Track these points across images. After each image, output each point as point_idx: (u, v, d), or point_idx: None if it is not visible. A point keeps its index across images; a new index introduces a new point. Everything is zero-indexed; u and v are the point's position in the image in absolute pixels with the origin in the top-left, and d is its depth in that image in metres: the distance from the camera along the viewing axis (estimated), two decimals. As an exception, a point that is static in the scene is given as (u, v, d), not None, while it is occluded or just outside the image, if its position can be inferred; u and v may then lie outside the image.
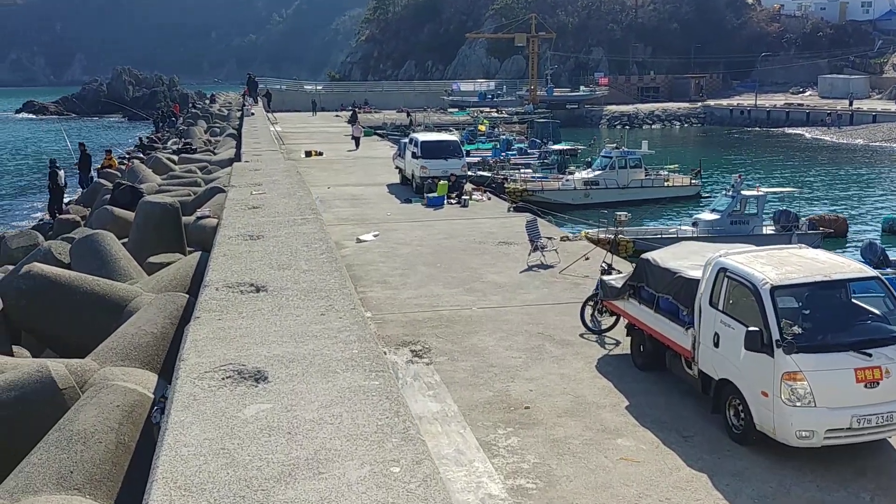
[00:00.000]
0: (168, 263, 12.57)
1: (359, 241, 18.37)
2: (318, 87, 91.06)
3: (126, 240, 14.86)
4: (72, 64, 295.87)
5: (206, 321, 6.40)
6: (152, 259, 12.89)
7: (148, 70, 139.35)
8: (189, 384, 5.08)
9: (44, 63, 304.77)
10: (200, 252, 10.96)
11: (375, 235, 18.84)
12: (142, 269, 12.11)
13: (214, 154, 32.91)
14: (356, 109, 57.28)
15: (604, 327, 11.71)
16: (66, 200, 28.76)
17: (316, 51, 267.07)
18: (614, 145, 36.19)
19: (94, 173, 31.83)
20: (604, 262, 12.75)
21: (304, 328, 6.52)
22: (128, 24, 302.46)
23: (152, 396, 5.99)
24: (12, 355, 8.89)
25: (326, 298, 7.25)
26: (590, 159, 38.38)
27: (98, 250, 11.92)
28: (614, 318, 11.47)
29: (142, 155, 39.64)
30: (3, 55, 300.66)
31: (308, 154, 34.59)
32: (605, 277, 11.51)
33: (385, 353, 11.20)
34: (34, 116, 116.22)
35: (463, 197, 23.35)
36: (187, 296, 8.36)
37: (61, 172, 27.33)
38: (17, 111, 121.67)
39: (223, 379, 5.28)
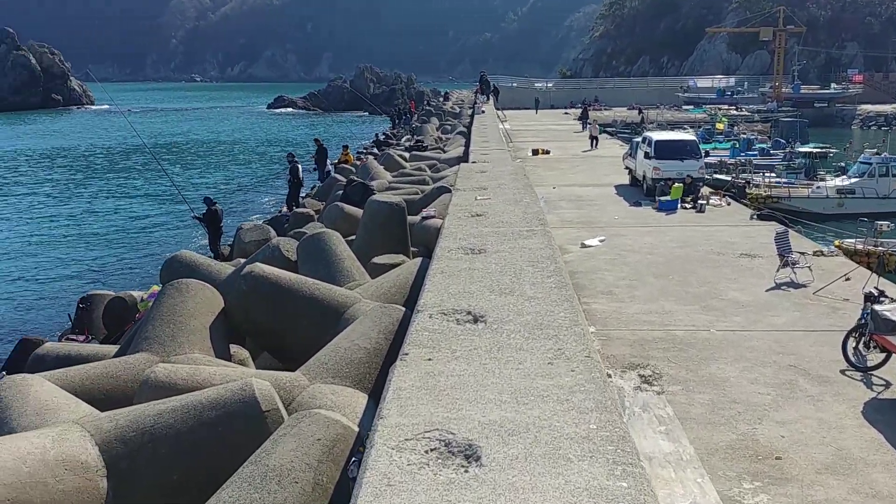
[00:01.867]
0: (391, 265, 12.29)
1: (583, 245, 17.37)
2: (549, 85, 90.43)
3: (353, 237, 14.85)
4: (320, 62, 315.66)
5: (413, 362, 5.64)
6: (376, 259, 12.68)
7: (388, 68, 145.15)
8: (385, 457, 4.23)
9: (295, 60, 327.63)
10: (422, 259, 10.49)
11: (601, 240, 17.75)
12: (364, 271, 11.86)
13: (444, 152, 33.07)
14: (587, 107, 55.99)
15: (871, 364, 9.99)
16: (302, 195, 29.95)
17: (548, 48, 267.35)
18: (874, 150, 32.61)
19: (330, 167, 32.98)
20: (874, 287, 10.94)
21: (527, 382, 5.48)
22: (372, 24, 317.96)
23: (356, 430, 5.41)
24: (229, 357, 8.79)
25: (555, 339, 6.25)
26: (843, 164, 34.89)
27: (323, 249, 11.80)
28: (885, 354, 9.75)
29: (376, 151, 40.80)
30: (260, 52, 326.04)
31: (535, 153, 33.94)
32: (878, 307, 9.80)
33: (609, 376, 10.20)
34: (284, 111, 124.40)
35: (699, 202, 21.66)
36: (403, 309, 7.82)
37: (300, 167, 28.43)
38: (269, 106, 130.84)
39: (427, 452, 4.35)
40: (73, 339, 13.19)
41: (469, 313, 6.66)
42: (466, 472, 4.19)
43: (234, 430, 5.65)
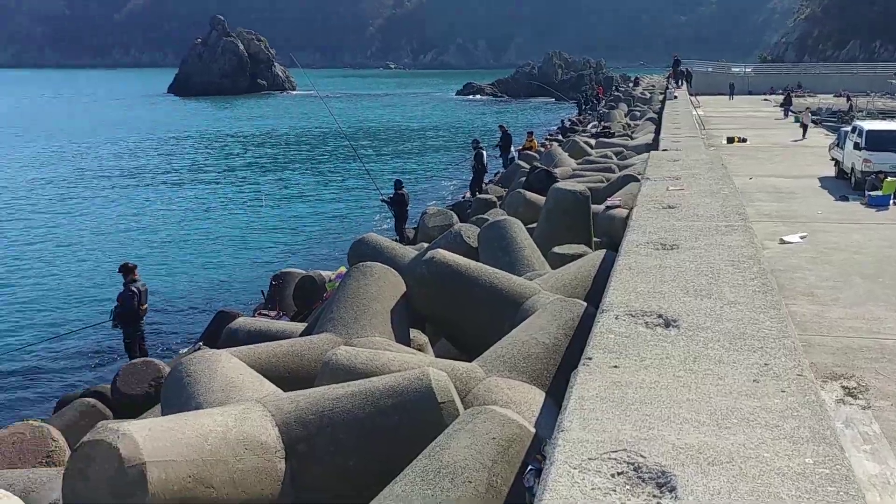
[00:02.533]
0: (573, 256, 11.97)
1: (782, 241, 16.23)
2: (747, 70, 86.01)
3: (534, 225, 14.62)
4: (509, 48, 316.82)
5: (598, 368, 5.17)
6: (557, 249, 12.40)
7: (578, 53, 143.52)
8: (567, 478, 3.77)
9: (485, 46, 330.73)
10: (605, 251, 10.09)
11: (802, 237, 16.52)
12: (544, 261, 11.61)
13: (632, 139, 32.15)
14: (790, 93, 52.77)
15: None
16: (486, 181, 30.01)
17: (747, 32, 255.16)
18: None
19: (514, 154, 32.86)
20: None
21: (729, 402, 4.81)
22: (563, 8, 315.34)
23: (533, 431, 5.17)
24: (409, 342, 8.81)
25: (760, 351, 5.52)
26: None
27: (504, 237, 11.65)
28: None
29: (561, 137, 40.30)
30: (452, 40, 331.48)
31: (730, 140, 32.28)
32: None
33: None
34: (472, 98, 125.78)
35: (916, 198, 19.78)
36: (584, 304, 7.49)
37: (485, 153, 28.48)
38: (458, 93, 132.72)
39: (613, 476, 3.85)
40: (265, 315, 13.78)
41: (660, 316, 6.06)
42: (659, 504, 3.67)
43: (409, 420, 5.57)
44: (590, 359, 5.22)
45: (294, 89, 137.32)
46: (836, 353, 10.38)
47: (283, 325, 10.67)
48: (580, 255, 12.12)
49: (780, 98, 49.80)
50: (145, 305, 14.88)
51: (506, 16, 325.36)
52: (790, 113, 43.51)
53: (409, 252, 13.64)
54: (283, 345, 8.28)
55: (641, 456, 4.06)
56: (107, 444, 4.81)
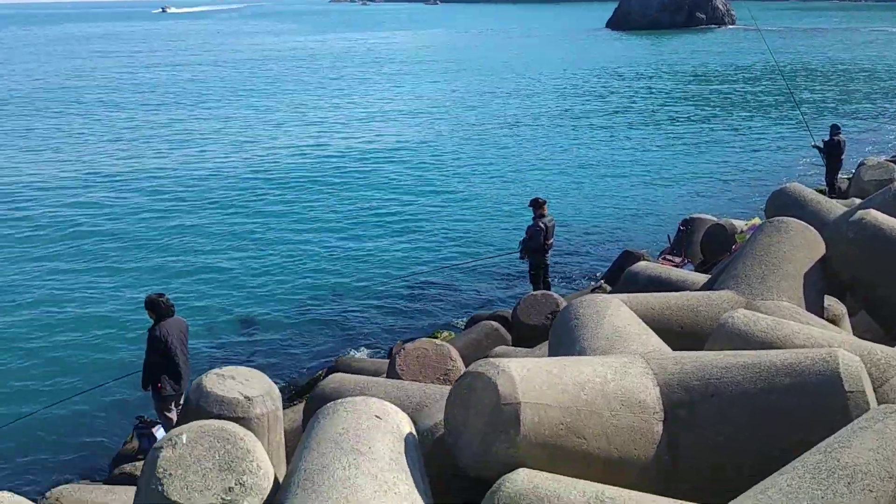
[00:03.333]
0: None
1: None
2: None
3: None
4: None
5: None
6: None
7: None
8: None
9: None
10: None
11: None
12: None
13: None
14: None
15: None
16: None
17: None
18: None
19: None
20: None
21: None
22: None
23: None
24: (822, 311, 7.88)
25: None
26: None
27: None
28: None
29: None
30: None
31: None
32: None
33: None
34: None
35: None
36: None
37: None
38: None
39: None
40: (669, 260, 13.37)
41: None
42: None
43: (807, 405, 4.89)
44: None
45: (734, 23, 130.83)
46: None
47: (685, 274, 10.20)
48: None
49: None
50: (550, 240, 15.27)
51: None
52: None
53: (837, 208, 12.19)
54: (679, 297, 7.86)
55: None
56: (487, 377, 4.89)
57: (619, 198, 27.70)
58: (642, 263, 10.78)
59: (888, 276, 7.78)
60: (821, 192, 20.97)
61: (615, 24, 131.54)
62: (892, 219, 8.08)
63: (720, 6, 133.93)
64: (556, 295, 11.82)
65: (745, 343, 6.18)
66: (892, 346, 6.31)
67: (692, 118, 46.27)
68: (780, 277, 7.81)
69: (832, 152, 21.25)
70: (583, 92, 58.24)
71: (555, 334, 6.76)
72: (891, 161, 18.47)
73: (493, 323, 11.50)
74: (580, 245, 22.22)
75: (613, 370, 5.24)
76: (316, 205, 27.93)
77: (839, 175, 21.62)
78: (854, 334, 7.46)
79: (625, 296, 7.89)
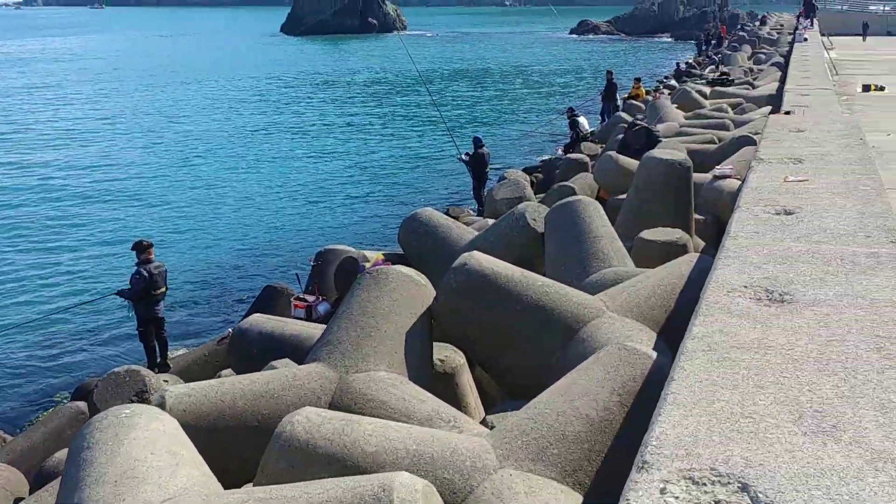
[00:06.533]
0: (665, 244, 9.81)
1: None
2: (886, 8, 78.56)
3: (624, 196, 12.41)
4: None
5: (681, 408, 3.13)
6: (645, 235, 10.24)
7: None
8: None
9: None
10: (699, 257, 7.74)
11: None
12: (626, 253, 9.41)
13: (753, 87, 28.75)
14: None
15: None
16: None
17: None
18: None
19: (620, 103, 29.99)
20: None
21: None
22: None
23: None
24: (430, 371, 6.89)
25: None
26: None
27: (576, 223, 9.48)
28: None
29: (675, 83, 36.83)
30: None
31: (866, 88, 28.40)
32: None
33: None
34: (587, 37, 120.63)
35: None
36: (653, 357, 5.27)
37: (582, 119, 25.83)
38: (572, 31, 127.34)
39: None
40: (301, 300, 12.04)
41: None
42: None
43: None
44: (647, 464, 2.90)
45: (405, 29, 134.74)
46: None
47: (299, 327, 8.84)
48: (674, 244, 9.89)
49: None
50: (162, 289, 13.17)
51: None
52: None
53: (469, 234, 11.59)
54: (256, 380, 6.42)
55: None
56: None
57: (247, 228, 24.35)
58: (253, 318, 9.30)
59: (495, 330, 6.89)
60: (473, 210, 20.67)
61: (288, 28, 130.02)
62: (497, 263, 7.21)
63: (391, 12, 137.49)
64: (143, 371, 9.87)
65: (305, 459, 4.85)
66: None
67: (337, 132, 42.86)
68: (378, 341, 6.65)
69: (477, 165, 20.97)
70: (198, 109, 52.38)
71: (65, 470, 4.99)
72: (533, 170, 18.70)
73: (80, 404, 9.45)
74: (216, 282, 19.44)
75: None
76: None
77: (485, 189, 21.29)
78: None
79: (187, 387, 6.32)
